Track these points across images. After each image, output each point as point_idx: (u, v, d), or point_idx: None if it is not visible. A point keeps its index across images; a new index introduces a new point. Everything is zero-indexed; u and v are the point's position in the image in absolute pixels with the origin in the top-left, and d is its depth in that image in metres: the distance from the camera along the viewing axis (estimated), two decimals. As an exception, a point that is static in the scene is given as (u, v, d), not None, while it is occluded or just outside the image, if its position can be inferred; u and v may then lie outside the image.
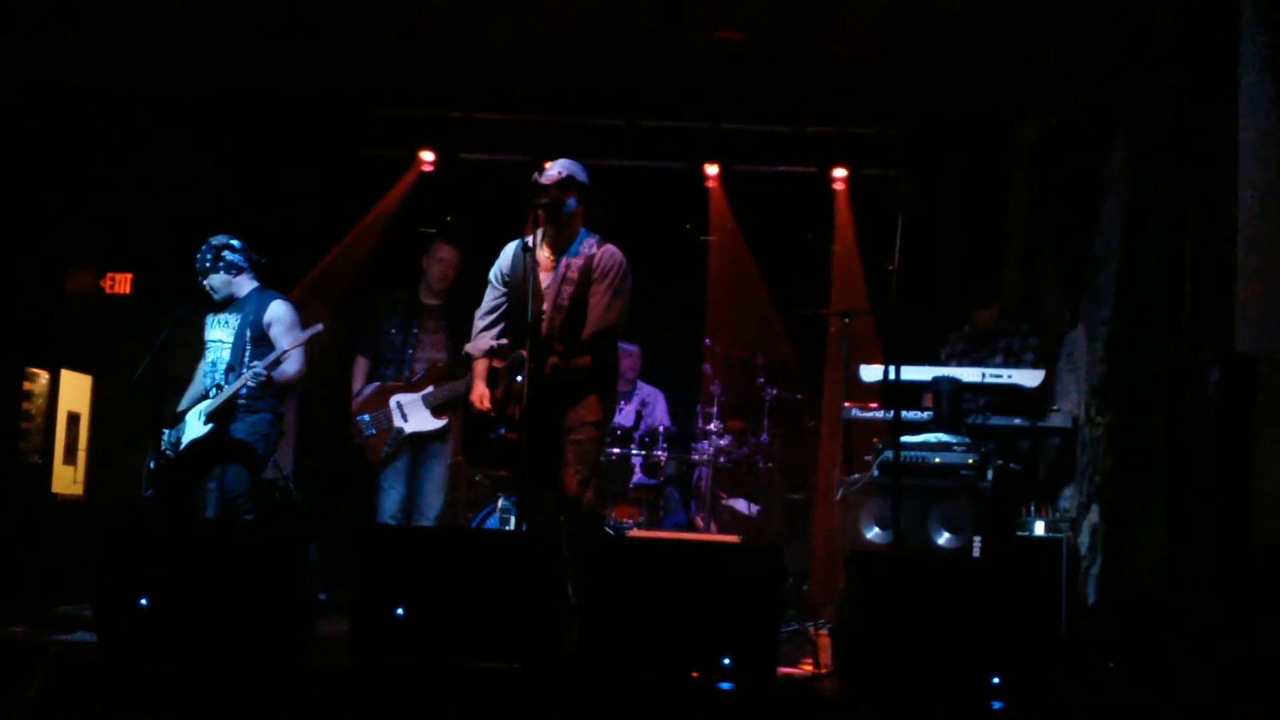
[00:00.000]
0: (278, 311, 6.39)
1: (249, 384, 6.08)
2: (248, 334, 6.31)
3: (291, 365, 6.26)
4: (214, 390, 6.28)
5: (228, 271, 6.41)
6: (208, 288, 6.42)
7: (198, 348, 6.53)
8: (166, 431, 6.34)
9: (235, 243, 6.43)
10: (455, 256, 7.28)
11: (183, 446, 6.32)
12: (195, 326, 6.51)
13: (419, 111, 8.41)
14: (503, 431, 5.53)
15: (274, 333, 6.33)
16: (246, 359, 6.25)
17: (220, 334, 6.41)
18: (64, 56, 7.38)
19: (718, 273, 8.64)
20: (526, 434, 5.28)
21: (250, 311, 6.37)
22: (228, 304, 6.44)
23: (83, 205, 8.06)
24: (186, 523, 6.17)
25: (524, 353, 5.38)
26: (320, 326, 6.25)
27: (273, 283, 6.57)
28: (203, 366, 6.52)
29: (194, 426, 6.33)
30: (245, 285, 6.46)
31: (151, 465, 6.18)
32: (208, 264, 6.39)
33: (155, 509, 6.09)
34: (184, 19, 6.99)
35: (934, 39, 6.92)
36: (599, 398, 5.61)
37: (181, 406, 6.48)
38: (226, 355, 6.32)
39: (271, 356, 6.14)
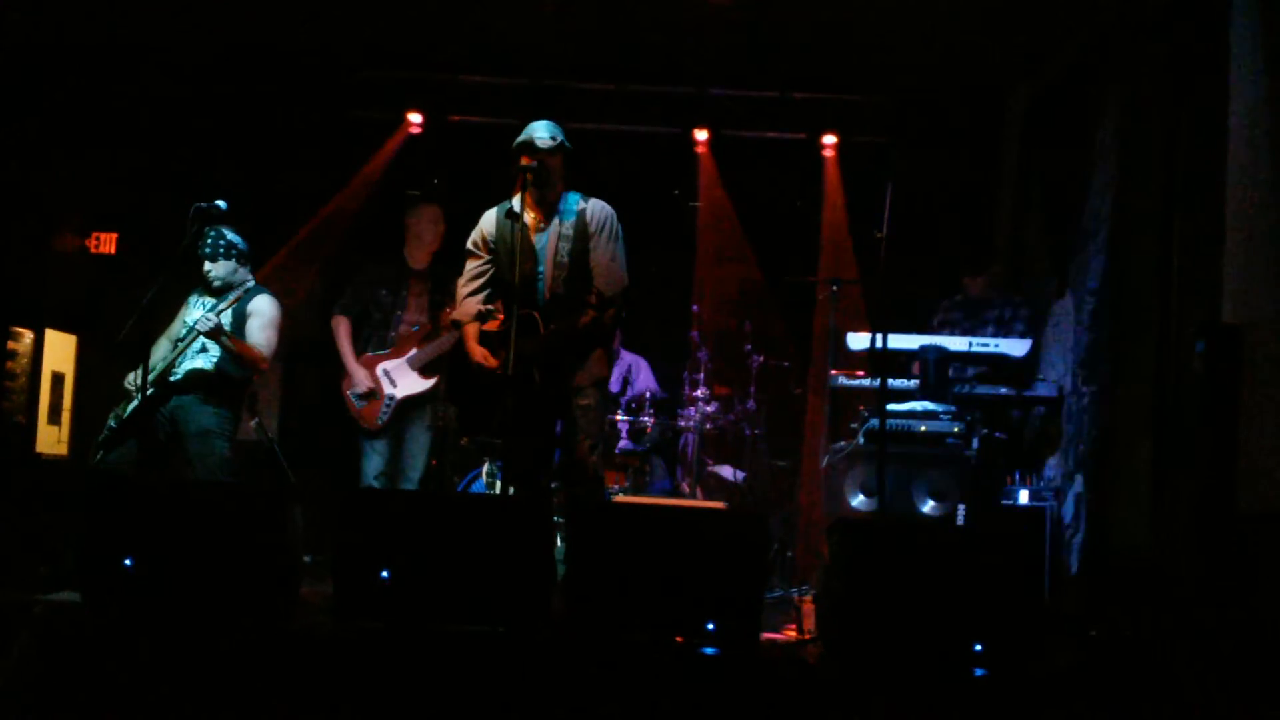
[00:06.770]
0: (261, 305, 6.37)
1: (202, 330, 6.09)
2: (230, 324, 6.26)
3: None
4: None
5: (239, 261, 6.36)
6: (210, 275, 6.33)
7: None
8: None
9: (239, 238, 6.39)
10: (441, 214, 7.23)
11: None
12: (179, 290, 6.41)
13: (407, 73, 8.36)
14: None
15: (251, 324, 6.31)
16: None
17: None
18: (47, 11, 7.30)
19: (706, 239, 8.61)
20: (515, 399, 5.26)
21: (243, 304, 6.33)
22: (219, 291, 6.35)
23: (68, 164, 8.00)
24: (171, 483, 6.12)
25: (536, 314, 5.40)
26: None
27: (256, 245, 6.51)
28: (166, 340, 6.40)
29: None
30: (245, 276, 6.42)
31: (112, 424, 6.15)
32: (220, 253, 6.31)
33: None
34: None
35: (924, 4, 6.88)
36: (604, 352, 5.68)
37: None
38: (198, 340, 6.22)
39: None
